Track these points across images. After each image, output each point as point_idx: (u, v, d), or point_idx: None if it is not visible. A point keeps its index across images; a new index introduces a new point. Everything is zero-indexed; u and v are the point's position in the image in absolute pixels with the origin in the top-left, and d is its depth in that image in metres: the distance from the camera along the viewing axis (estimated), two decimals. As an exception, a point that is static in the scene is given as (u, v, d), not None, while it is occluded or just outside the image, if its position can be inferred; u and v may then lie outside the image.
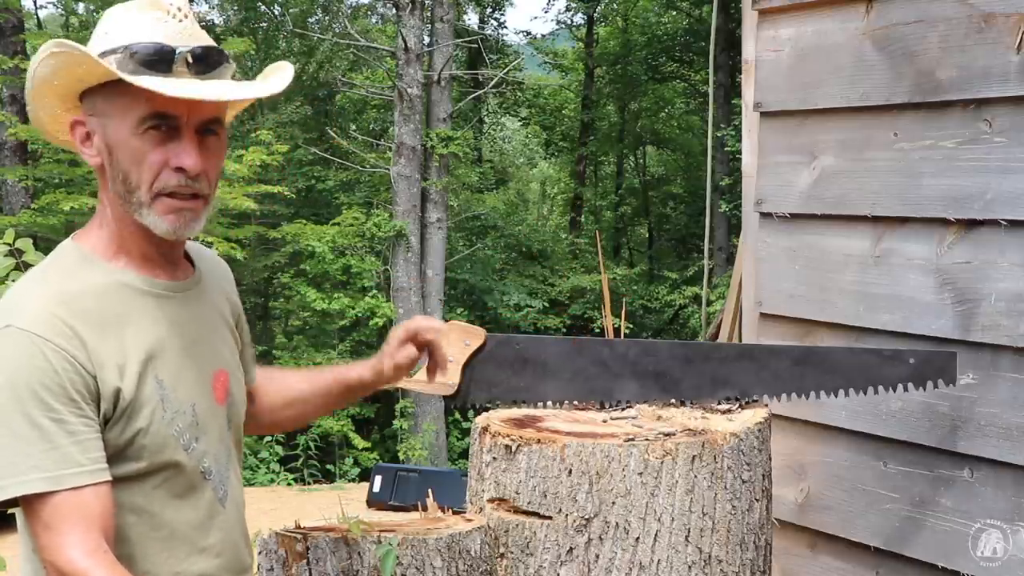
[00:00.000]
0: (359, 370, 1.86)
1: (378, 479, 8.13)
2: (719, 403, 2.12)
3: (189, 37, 1.44)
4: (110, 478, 1.39)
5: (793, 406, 2.40)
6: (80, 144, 1.48)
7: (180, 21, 1.44)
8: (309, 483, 11.38)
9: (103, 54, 1.41)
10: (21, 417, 1.34)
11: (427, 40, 14.54)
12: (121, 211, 1.47)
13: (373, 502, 8.00)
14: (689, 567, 1.87)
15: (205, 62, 1.43)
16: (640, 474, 1.85)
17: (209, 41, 1.47)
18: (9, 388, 1.35)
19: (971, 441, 2.19)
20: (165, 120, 1.41)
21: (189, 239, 1.53)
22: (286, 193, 13.65)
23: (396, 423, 13.53)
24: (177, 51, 1.41)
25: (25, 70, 1.61)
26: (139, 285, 1.48)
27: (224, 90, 1.43)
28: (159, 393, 1.45)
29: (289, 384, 1.85)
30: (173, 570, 1.48)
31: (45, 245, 2.04)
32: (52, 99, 1.48)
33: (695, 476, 1.87)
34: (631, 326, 16.99)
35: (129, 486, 1.43)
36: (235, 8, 18.12)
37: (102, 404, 1.40)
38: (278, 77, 1.52)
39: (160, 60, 1.40)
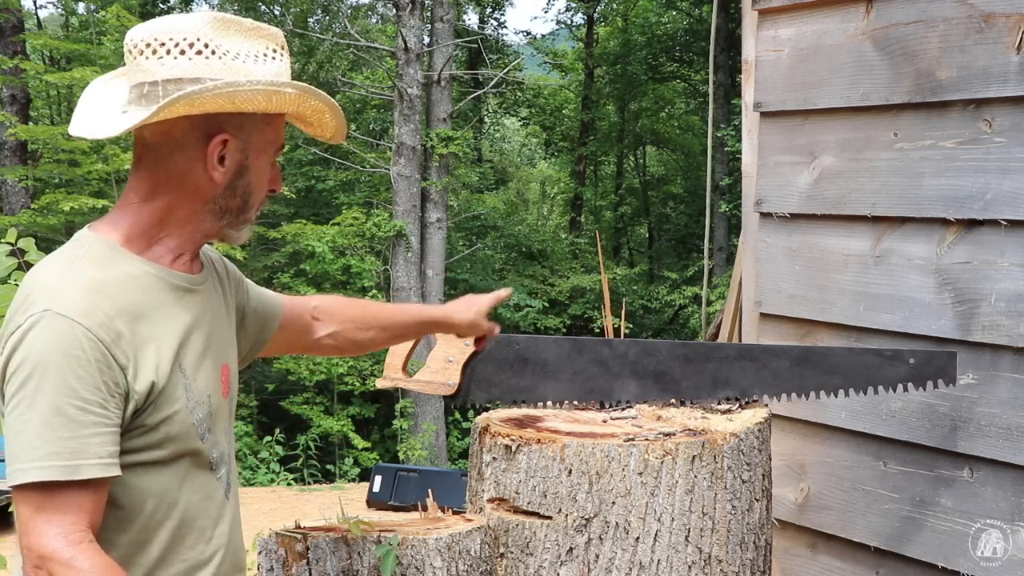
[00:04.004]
0: (440, 312, 2.07)
1: (378, 479, 8.13)
2: (719, 403, 2.12)
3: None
4: (118, 473, 1.39)
5: (793, 406, 2.40)
6: (213, 158, 1.48)
7: (288, 55, 1.55)
8: (309, 483, 11.40)
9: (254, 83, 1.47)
10: (47, 402, 1.34)
11: (427, 40, 14.54)
12: (199, 218, 1.52)
13: (373, 502, 8.00)
14: (689, 567, 1.87)
15: None
16: (640, 474, 1.85)
17: None
18: (40, 371, 1.34)
19: (971, 441, 2.19)
20: (282, 150, 1.59)
21: None
22: (286, 193, 13.64)
23: (396, 423, 13.53)
24: None
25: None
26: (167, 278, 1.50)
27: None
28: (183, 383, 1.47)
29: (373, 313, 2.00)
30: (181, 557, 1.49)
31: (45, 245, 2.04)
32: (187, 111, 1.48)
33: (695, 476, 1.87)
34: (631, 326, 16.99)
35: (151, 471, 1.45)
36: (235, 8, 18.11)
37: (131, 396, 1.40)
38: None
39: None
